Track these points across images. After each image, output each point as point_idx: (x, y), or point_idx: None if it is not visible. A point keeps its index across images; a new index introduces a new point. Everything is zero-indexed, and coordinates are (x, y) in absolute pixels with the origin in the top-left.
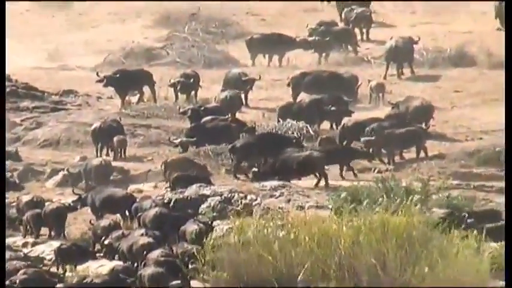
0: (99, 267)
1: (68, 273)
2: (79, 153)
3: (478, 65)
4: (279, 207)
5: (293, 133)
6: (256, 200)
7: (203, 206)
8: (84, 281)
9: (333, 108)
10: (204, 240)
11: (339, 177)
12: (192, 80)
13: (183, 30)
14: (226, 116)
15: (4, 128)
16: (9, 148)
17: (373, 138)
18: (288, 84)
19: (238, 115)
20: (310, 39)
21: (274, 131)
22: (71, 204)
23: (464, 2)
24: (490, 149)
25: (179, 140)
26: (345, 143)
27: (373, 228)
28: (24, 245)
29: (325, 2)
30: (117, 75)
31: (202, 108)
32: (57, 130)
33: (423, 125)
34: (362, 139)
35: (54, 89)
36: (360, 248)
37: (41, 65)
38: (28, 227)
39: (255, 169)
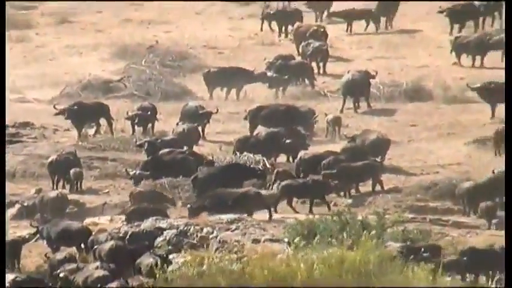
0: None
1: None
2: (35, 186)
3: (434, 99)
4: (235, 241)
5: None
6: (212, 233)
7: (159, 239)
8: None
9: (289, 141)
10: (160, 273)
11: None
12: (149, 113)
13: (140, 63)
14: (184, 149)
15: (4, 129)
16: None
17: (334, 171)
18: (245, 118)
19: (195, 148)
20: (268, 73)
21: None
22: (27, 237)
23: (421, 36)
24: (445, 182)
25: (133, 172)
26: (301, 175)
27: (329, 263)
28: None
29: (283, 36)
30: (74, 108)
31: (159, 141)
32: (13, 162)
33: (379, 159)
34: (322, 172)
35: (11, 121)
36: (316, 282)
37: None
38: None
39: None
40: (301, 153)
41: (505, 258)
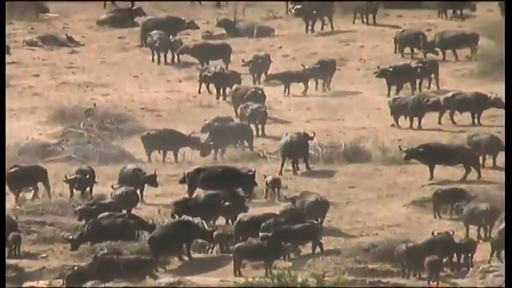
0: None
1: None
2: None
3: (372, 160)
4: None
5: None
6: None
7: None
8: None
9: (228, 203)
10: None
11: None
12: (87, 176)
13: (78, 126)
14: (123, 212)
15: (4, 128)
16: None
17: (272, 234)
18: (181, 181)
19: (134, 211)
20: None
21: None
22: None
23: (359, 98)
24: (385, 244)
25: (70, 237)
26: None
27: None
28: None
29: (221, 98)
30: (12, 172)
31: (98, 204)
32: None
33: (318, 221)
34: (261, 235)
35: None
36: None
37: None
38: None
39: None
40: (240, 216)
41: (505, 256)
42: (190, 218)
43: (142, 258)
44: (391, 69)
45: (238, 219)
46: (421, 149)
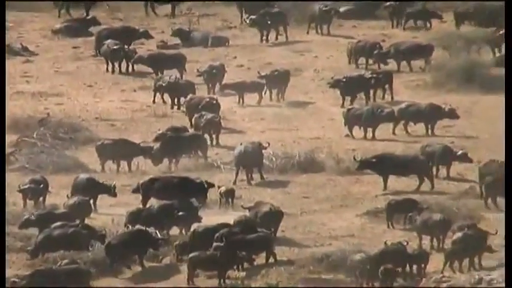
0: None
1: None
2: None
3: (326, 171)
4: None
5: None
6: None
7: None
8: None
9: (182, 213)
10: None
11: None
12: (40, 186)
13: (32, 136)
14: (76, 222)
15: (4, 128)
16: None
17: (226, 244)
18: (133, 191)
19: (87, 221)
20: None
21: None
22: None
23: (313, 108)
24: (338, 254)
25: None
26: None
27: None
28: None
29: (175, 108)
30: None
31: (51, 214)
32: None
33: (272, 231)
34: (214, 245)
35: None
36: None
37: None
38: None
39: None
40: (194, 226)
41: (505, 258)
42: (143, 228)
43: (80, 269)
44: (344, 79)
45: (192, 229)
46: (374, 160)
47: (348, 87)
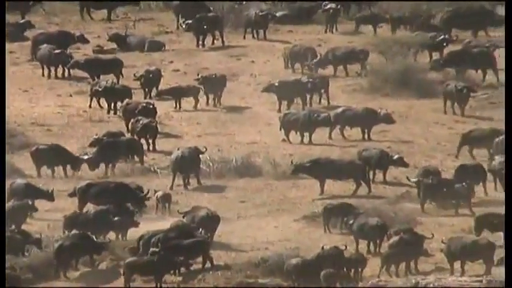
0: None
1: None
2: None
3: (263, 175)
4: None
5: None
6: None
7: None
8: None
9: (118, 218)
10: None
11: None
12: None
13: None
14: (12, 227)
15: (4, 127)
16: None
17: (157, 249)
18: (70, 194)
19: (23, 226)
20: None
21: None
22: None
23: (250, 113)
24: (275, 259)
25: None
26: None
27: None
28: None
29: (111, 113)
30: None
31: None
32: None
33: (209, 236)
34: (150, 250)
35: None
36: None
37: None
38: None
39: None
40: (144, 232)
41: (505, 256)
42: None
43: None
44: (276, 84)
45: (141, 234)
46: (309, 164)
47: (284, 91)
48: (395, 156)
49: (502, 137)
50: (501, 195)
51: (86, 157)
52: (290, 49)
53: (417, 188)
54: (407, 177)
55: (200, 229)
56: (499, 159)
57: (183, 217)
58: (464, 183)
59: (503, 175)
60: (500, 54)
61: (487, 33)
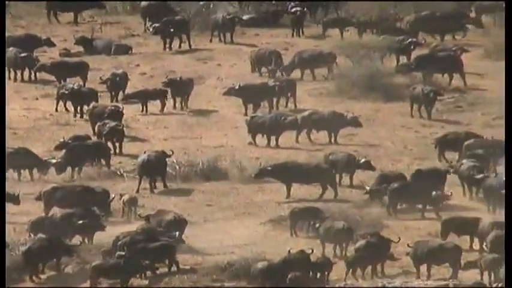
0: None
1: None
2: None
3: (229, 179)
4: None
5: None
6: None
7: None
8: None
9: (83, 222)
10: None
11: None
12: None
13: None
14: None
15: (4, 127)
16: None
17: (124, 253)
18: (37, 198)
19: None
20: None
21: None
22: None
23: (216, 116)
24: (241, 263)
25: None
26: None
27: None
28: None
29: (77, 116)
30: None
31: None
32: None
33: (175, 239)
34: (117, 253)
35: None
36: None
37: None
38: None
39: None
40: (118, 234)
41: (505, 256)
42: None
43: None
44: (236, 87)
45: (116, 237)
46: (275, 168)
47: (250, 95)
48: (362, 160)
49: (471, 140)
50: (467, 199)
51: (53, 161)
52: (256, 52)
53: (370, 195)
54: (363, 184)
55: (177, 232)
56: (468, 163)
57: (145, 221)
58: (437, 191)
59: (473, 179)
60: (466, 58)
61: (454, 37)
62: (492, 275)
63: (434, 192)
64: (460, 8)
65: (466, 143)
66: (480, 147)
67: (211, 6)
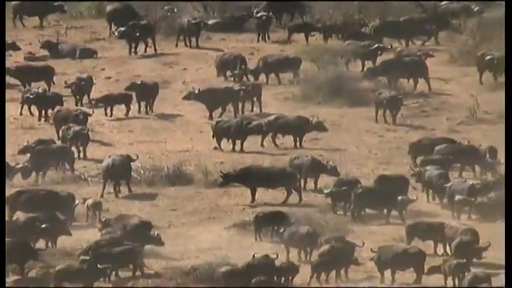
0: None
1: None
2: None
3: (194, 183)
4: None
5: None
6: None
7: None
8: None
9: (45, 226)
10: None
11: None
12: None
13: None
14: None
15: (4, 128)
16: None
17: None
18: None
19: None
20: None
21: None
22: None
23: (182, 120)
24: (205, 267)
25: None
26: None
27: None
28: None
29: (42, 120)
30: None
31: None
32: None
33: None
34: (81, 258)
35: None
36: None
37: None
38: None
39: None
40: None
41: (505, 257)
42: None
43: None
44: (196, 92)
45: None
46: (239, 173)
47: (214, 99)
48: (327, 165)
49: (442, 146)
50: (431, 205)
51: (19, 166)
52: (220, 57)
53: (332, 199)
54: (319, 188)
55: (156, 233)
56: (434, 170)
57: (103, 225)
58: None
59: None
60: (431, 63)
61: (414, 42)
62: (456, 280)
63: (400, 197)
64: (424, 12)
65: (436, 148)
66: (450, 153)
67: (175, 10)
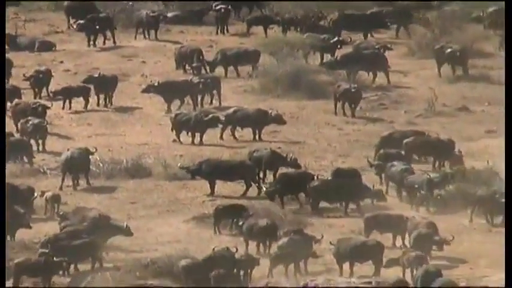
0: None
1: None
2: None
3: (153, 176)
4: None
5: None
6: None
7: None
8: None
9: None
10: None
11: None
12: None
13: None
14: None
15: (4, 128)
16: None
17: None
18: None
19: None
20: None
21: None
22: None
23: (141, 113)
24: (164, 260)
25: None
26: None
27: None
28: None
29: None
30: None
31: None
32: None
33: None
34: (40, 251)
35: None
36: None
37: None
38: None
39: None
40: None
41: (505, 258)
42: None
43: None
44: (156, 84)
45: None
46: (199, 166)
47: (171, 92)
48: (287, 157)
49: (410, 138)
50: (390, 199)
51: None
52: (178, 50)
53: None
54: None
55: (125, 223)
56: (400, 165)
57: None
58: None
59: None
60: (390, 56)
61: (372, 34)
62: (414, 272)
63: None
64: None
65: (405, 141)
66: (420, 146)
67: (131, 3)
